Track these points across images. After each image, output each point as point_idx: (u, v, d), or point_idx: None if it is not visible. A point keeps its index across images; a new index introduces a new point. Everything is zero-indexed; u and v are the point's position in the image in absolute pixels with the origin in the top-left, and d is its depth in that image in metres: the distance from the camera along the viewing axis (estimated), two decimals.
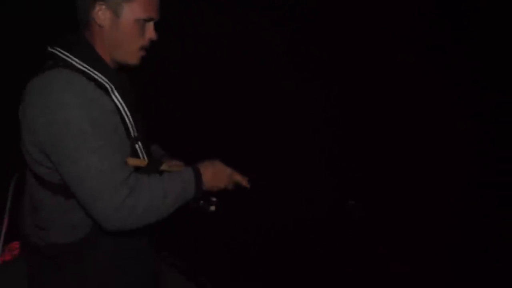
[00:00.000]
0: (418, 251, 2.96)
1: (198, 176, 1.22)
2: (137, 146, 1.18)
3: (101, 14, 1.12)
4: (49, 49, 1.15)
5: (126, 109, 1.14)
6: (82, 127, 1.01)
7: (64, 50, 1.12)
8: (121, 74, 1.22)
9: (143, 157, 1.20)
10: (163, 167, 1.23)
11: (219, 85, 4.10)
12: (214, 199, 1.32)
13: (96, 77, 1.10)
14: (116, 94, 1.12)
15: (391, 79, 4.22)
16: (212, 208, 1.31)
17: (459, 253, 2.94)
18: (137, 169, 1.15)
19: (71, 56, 1.11)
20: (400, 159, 3.81)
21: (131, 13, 1.12)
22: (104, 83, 1.11)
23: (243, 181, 1.36)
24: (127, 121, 1.14)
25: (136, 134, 1.17)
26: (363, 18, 4.25)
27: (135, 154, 1.18)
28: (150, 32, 1.19)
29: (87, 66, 1.10)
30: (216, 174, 1.28)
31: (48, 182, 1.13)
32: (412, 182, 3.57)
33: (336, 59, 4.34)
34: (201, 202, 1.29)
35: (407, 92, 4.15)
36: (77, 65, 1.10)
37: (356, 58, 4.30)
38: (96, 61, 1.13)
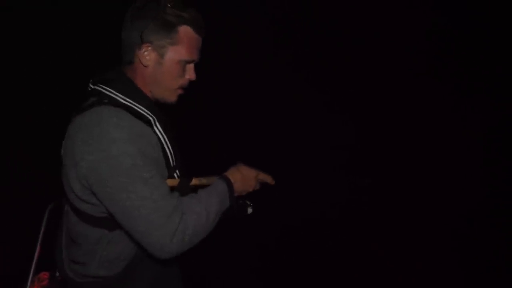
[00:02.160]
0: (422, 252, 2.99)
1: (230, 185, 1.25)
2: (175, 174, 1.21)
3: (147, 54, 1.17)
4: (91, 86, 1.20)
5: (167, 140, 1.17)
6: (134, 160, 1.04)
7: (107, 87, 1.16)
8: (160, 107, 1.25)
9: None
10: (193, 182, 1.26)
11: (226, 86, 4.15)
12: (248, 202, 1.34)
13: (140, 110, 1.14)
14: (158, 126, 1.16)
15: (400, 81, 4.24)
16: (250, 210, 1.33)
17: (461, 253, 2.98)
18: (171, 188, 1.17)
19: (115, 92, 1.15)
20: (407, 161, 3.77)
21: (175, 54, 1.18)
22: (148, 116, 1.14)
23: (269, 179, 1.38)
24: (167, 151, 1.18)
25: (174, 164, 1.20)
26: (373, 21, 4.32)
27: None
28: (190, 73, 1.24)
29: (130, 101, 1.14)
30: (245, 179, 1.30)
31: (91, 216, 1.14)
32: (417, 183, 3.63)
33: (347, 63, 4.40)
34: (236, 208, 1.30)
35: (415, 96, 4.18)
36: (121, 100, 1.14)
37: (367, 58, 4.36)
38: (138, 96, 1.17)
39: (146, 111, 1.15)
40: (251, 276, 2.81)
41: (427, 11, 4.31)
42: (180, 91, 1.26)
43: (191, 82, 1.27)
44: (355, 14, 4.53)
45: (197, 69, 1.27)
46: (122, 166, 1.03)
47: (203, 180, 1.28)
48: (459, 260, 2.94)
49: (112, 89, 1.15)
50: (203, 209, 1.15)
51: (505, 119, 4.02)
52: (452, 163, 3.82)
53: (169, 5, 1.15)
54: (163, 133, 1.17)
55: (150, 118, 1.15)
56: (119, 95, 1.15)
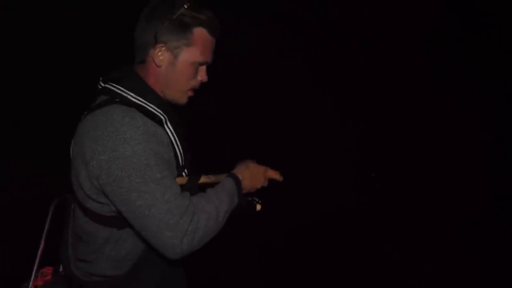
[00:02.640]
0: (430, 254, 2.99)
1: (238, 183, 1.25)
2: (183, 173, 1.21)
3: (160, 54, 1.16)
4: (102, 84, 1.18)
5: (177, 140, 1.17)
6: (147, 160, 1.04)
7: (118, 85, 1.15)
8: (172, 106, 1.25)
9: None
10: (202, 180, 1.25)
11: (235, 86, 4.17)
12: (256, 199, 1.34)
13: (151, 109, 1.13)
14: (169, 125, 1.15)
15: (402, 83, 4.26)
16: (258, 207, 1.33)
17: (462, 254, 2.99)
18: (180, 186, 1.16)
19: (126, 91, 1.14)
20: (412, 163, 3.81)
21: (188, 56, 1.17)
22: (160, 115, 1.14)
23: (277, 176, 1.38)
24: (178, 151, 1.17)
25: (183, 163, 1.20)
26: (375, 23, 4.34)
27: None
28: (202, 75, 1.24)
29: (142, 100, 1.13)
30: (253, 176, 1.30)
31: (100, 215, 1.14)
32: (424, 184, 3.65)
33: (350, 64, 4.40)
34: (245, 205, 1.30)
35: (421, 97, 4.20)
36: (133, 99, 1.13)
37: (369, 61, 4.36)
38: (150, 95, 1.16)
39: (158, 110, 1.14)
40: (257, 276, 2.81)
41: (434, 12, 4.35)
42: (190, 93, 1.25)
43: (202, 83, 1.27)
44: (364, 14, 4.55)
45: (209, 69, 1.27)
46: (134, 166, 1.03)
47: (212, 178, 1.28)
48: (468, 262, 2.94)
49: (124, 88, 1.14)
50: (213, 209, 1.14)
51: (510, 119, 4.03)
52: (461, 163, 3.82)
53: (185, 6, 1.14)
54: (173, 132, 1.16)
55: (162, 118, 1.14)
56: (131, 93, 1.14)
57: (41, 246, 1.36)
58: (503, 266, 2.89)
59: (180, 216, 1.06)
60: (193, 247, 1.10)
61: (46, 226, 1.38)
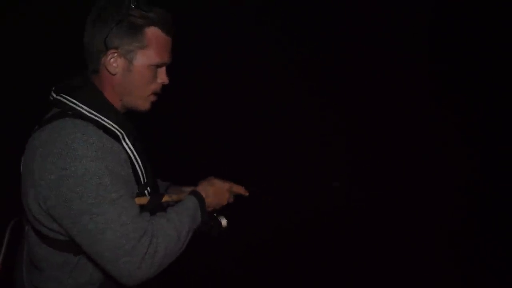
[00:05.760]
0: (422, 252, 2.97)
1: (201, 201, 1.20)
2: (146, 191, 1.13)
3: (113, 61, 1.07)
4: (54, 95, 1.09)
5: (137, 156, 1.10)
6: (101, 179, 0.96)
7: (70, 97, 1.06)
8: (129, 119, 1.17)
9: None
10: (164, 199, 1.20)
11: (212, 89, 4.09)
12: (220, 217, 1.30)
13: (107, 124, 1.05)
14: (127, 141, 1.08)
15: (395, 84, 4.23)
16: (224, 223, 1.29)
17: (462, 254, 2.97)
18: (141, 206, 1.09)
19: (79, 104, 1.05)
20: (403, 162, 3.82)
21: (144, 59, 1.09)
22: (115, 130, 1.06)
23: (242, 191, 1.35)
24: (138, 168, 1.10)
25: (145, 180, 1.12)
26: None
27: None
28: (163, 77, 1.16)
29: (96, 114, 1.05)
30: (217, 193, 1.26)
31: (52, 239, 1.05)
32: (417, 184, 3.61)
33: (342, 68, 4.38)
34: (211, 223, 1.26)
35: (411, 97, 4.18)
36: (86, 113, 1.05)
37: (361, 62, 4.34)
38: (105, 108, 1.08)
39: (114, 125, 1.06)
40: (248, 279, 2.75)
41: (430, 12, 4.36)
42: (153, 98, 1.17)
43: (164, 85, 1.19)
44: (363, 15, 4.54)
45: (170, 71, 1.19)
46: (87, 186, 0.95)
47: (174, 197, 1.23)
48: (466, 262, 2.93)
49: (76, 100, 1.06)
50: (173, 230, 1.07)
51: (505, 119, 4.02)
52: (456, 163, 3.79)
53: (132, 6, 1.06)
54: (132, 149, 1.09)
55: (118, 133, 1.06)
56: (84, 107, 1.05)
57: None
58: (502, 266, 2.87)
59: (138, 239, 0.98)
60: (152, 272, 1.02)
61: (3, 250, 1.27)
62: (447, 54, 4.41)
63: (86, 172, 0.95)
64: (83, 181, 0.95)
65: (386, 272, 2.83)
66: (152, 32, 1.09)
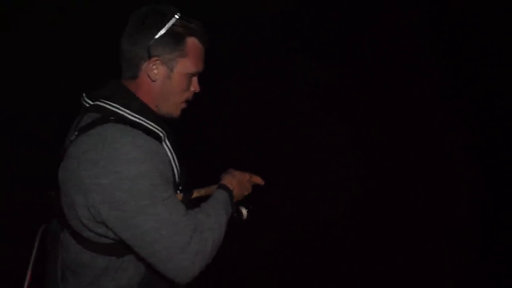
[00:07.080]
0: (428, 254, 2.97)
1: (230, 194, 1.24)
2: (178, 190, 1.16)
3: (155, 68, 1.10)
4: (89, 101, 1.10)
5: (175, 157, 1.13)
6: (153, 180, 0.98)
7: (110, 101, 1.08)
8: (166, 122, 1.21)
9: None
10: (194, 195, 1.24)
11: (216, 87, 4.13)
12: (243, 208, 1.34)
13: (150, 127, 1.08)
14: (167, 142, 1.11)
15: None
16: (244, 213, 1.33)
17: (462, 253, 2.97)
18: None
19: (122, 108, 1.07)
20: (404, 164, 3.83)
21: (183, 67, 1.13)
22: (158, 132, 1.09)
23: (259, 180, 1.39)
24: (174, 169, 1.13)
25: (179, 180, 1.16)
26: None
27: None
28: (195, 85, 1.21)
29: (139, 117, 1.08)
30: (240, 183, 1.30)
31: (96, 243, 1.06)
32: (419, 186, 3.62)
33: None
34: (234, 214, 1.29)
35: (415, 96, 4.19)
36: (129, 116, 1.07)
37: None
38: (145, 111, 1.11)
39: (157, 127, 1.10)
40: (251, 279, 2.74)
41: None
42: (184, 105, 1.21)
43: (195, 93, 1.23)
44: (356, 15, 4.57)
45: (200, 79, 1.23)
46: (140, 188, 0.97)
47: (202, 192, 1.27)
48: (465, 263, 2.93)
49: (118, 105, 1.08)
50: (215, 223, 1.11)
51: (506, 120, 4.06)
52: (457, 164, 3.83)
53: (176, 16, 1.10)
54: (171, 149, 1.12)
55: (161, 135, 1.10)
56: (127, 110, 1.08)
57: (28, 278, 1.25)
58: (506, 269, 2.89)
59: (190, 236, 1.02)
60: (203, 266, 1.05)
61: (33, 255, 1.26)
62: (453, 58, 4.48)
63: (139, 174, 0.97)
64: (136, 183, 0.97)
65: (392, 273, 2.85)
66: (192, 42, 1.13)
